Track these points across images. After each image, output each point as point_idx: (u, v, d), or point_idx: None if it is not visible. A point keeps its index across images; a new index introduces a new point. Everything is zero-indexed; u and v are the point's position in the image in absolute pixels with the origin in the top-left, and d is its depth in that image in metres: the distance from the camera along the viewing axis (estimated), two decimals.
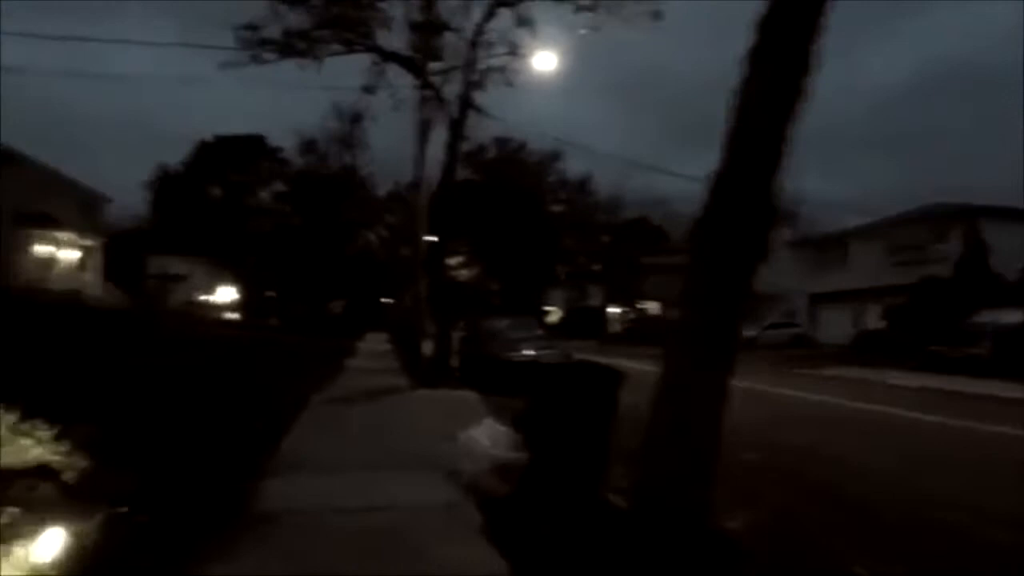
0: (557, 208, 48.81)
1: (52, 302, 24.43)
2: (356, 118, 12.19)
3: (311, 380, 11.42)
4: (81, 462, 3.69)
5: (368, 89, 12.79)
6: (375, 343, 27.75)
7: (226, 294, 46.77)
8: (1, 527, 2.66)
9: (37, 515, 2.79)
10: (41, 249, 26.14)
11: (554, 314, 59.78)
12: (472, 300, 71.39)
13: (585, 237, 50.15)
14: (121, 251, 30.80)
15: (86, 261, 28.82)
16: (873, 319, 30.15)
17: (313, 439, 6.46)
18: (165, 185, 59.32)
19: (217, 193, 61.90)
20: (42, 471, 3.37)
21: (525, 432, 4.35)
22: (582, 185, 47.65)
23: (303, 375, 11.95)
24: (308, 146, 47.27)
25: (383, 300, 52.35)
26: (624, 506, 3.68)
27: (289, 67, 12.25)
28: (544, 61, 15.55)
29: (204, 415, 6.34)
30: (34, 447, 3.66)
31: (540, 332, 13.57)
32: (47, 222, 26.10)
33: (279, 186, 60.67)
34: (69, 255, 28.15)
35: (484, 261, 53.08)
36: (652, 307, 51.18)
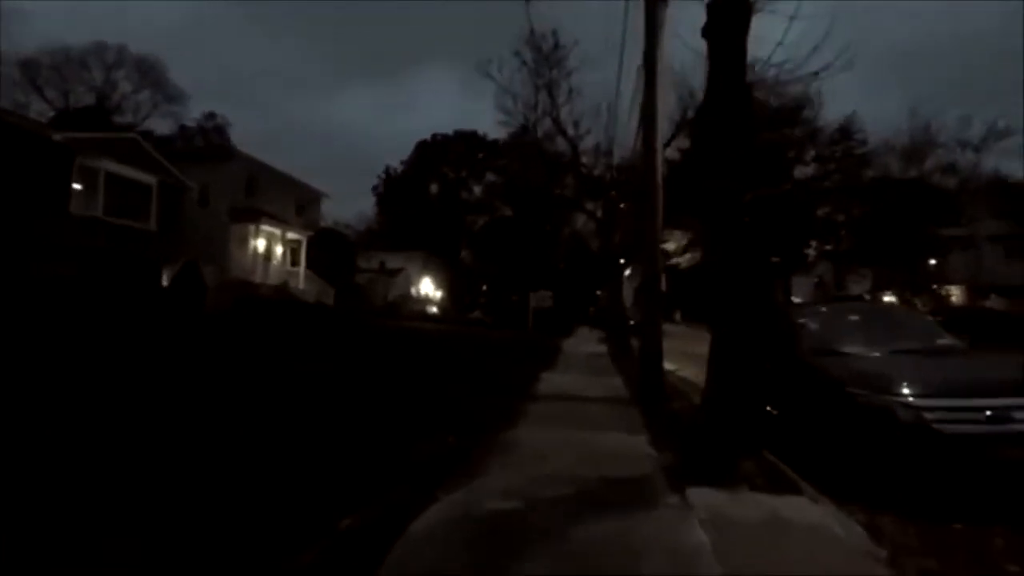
0: (806, 169, 37.73)
1: (255, 296, 23.22)
2: None
3: (468, 430, 5.75)
4: None
5: None
6: (586, 342, 21.89)
7: (431, 287, 45.24)
8: None
9: None
10: (255, 243, 25.40)
11: None
12: (696, 291, 62.39)
13: (849, 203, 38.22)
14: (331, 245, 29.63)
15: (298, 255, 27.89)
16: None
17: None
18: (389, 185, 61.51)
19: (434, 190, 62.67)
20: None
21: None
22: (843, 133, 35.95)
23: (459, 417, 6.35)
24: (518, 134, 43.42)
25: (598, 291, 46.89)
26: None
27: None
28: None
29: None
30: None
31: (957, 344, 6.01)
32: (261, 216, 25.26)
33: (491, 177, 59.15)
34: (281, 249, 27.39)
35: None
36: (955, 293, 37.23)
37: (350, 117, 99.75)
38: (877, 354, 5.47)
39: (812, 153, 37.85)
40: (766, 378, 5.77)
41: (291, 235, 27.30)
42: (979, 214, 36.06)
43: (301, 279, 27.10)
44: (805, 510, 3.97)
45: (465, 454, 4.95)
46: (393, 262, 43.96)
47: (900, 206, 36.16)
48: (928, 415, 4.40)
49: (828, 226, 38.53)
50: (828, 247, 39.09)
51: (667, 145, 21.95)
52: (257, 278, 24.71)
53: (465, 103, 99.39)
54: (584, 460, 4.90)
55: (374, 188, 60.36)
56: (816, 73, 4.89)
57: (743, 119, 5.03)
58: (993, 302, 33.77)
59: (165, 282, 20.76)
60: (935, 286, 36.23)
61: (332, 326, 17.44)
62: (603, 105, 20.62)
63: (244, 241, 25.02)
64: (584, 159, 18.66)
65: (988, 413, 4.33)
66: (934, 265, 37.54)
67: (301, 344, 12.60)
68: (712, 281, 5.14)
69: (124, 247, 17.68)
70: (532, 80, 18.25)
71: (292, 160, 69.16)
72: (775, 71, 5.67)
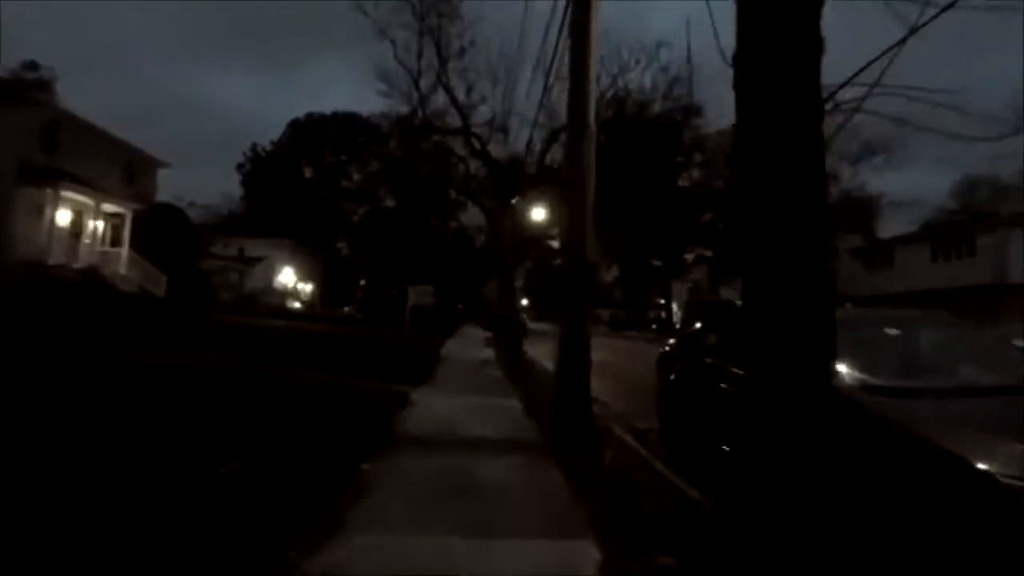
0: (696, 174, 38.02)
1: (48, 280, 17.88)
2: None
3: (236, 550, 2.73)
4: None
5: None
6: (471, 345, 19.15)
7: (300, 280, 40.23)
8: None
9: None
10: (54, 214, 19.73)
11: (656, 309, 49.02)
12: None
13: (729, 210, 39.03)
14: (168, 223, 24.24)
15: (120, 232, 22.38)
16: None
17: None
18: (256, 165, 54.73)
19: (309, 174, 56.78)
20: None
21: None
22: (727, 139, 36.45)
23: (240, 508, 3.27)
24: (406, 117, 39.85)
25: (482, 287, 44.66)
26: None
27: None
28: None
29: None
30: None
31: None
32: (61, 179, 19.62)
33: (375, 165, 54.53)
34: (97, 224, 21.78)
35: (599, 243, 43.46)
36: None
37: (228, 97, 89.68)
38: (979, 399, 3.20)
39: (699, 158, 38.18)
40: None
41: (110, 208, 21.79)
42: (836, 228, 38.30)
43: (123, 262, 21.70)
44: None
45: None
46: (255, 249, 38.42)
47: None
48: None
49: (710, 232, 39.14)
50: (708, 253, 39.73)
51: (543, 162, 19.94)
52: (55, 258, 19.18)
53: (360, 91, 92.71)
54: None
55: (239, 166, 53.42)
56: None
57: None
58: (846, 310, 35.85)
59: None
60: None
61: (139, 323, 13.16)
62: (502, 68, 17.65)
63: (38, 211, 19.33)
64: (476, 130, 15.91)
65: None
66: None
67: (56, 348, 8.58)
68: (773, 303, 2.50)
69: None
70: (416, 24, 15.06)
71: (156, 135, 59.84)
72: None
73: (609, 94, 23.54)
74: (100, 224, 21.74)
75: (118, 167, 23.69)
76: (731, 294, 44.47)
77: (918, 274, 29.94)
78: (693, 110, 35.78)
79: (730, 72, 2.53)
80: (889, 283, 31.89)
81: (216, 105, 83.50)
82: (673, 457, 5.53)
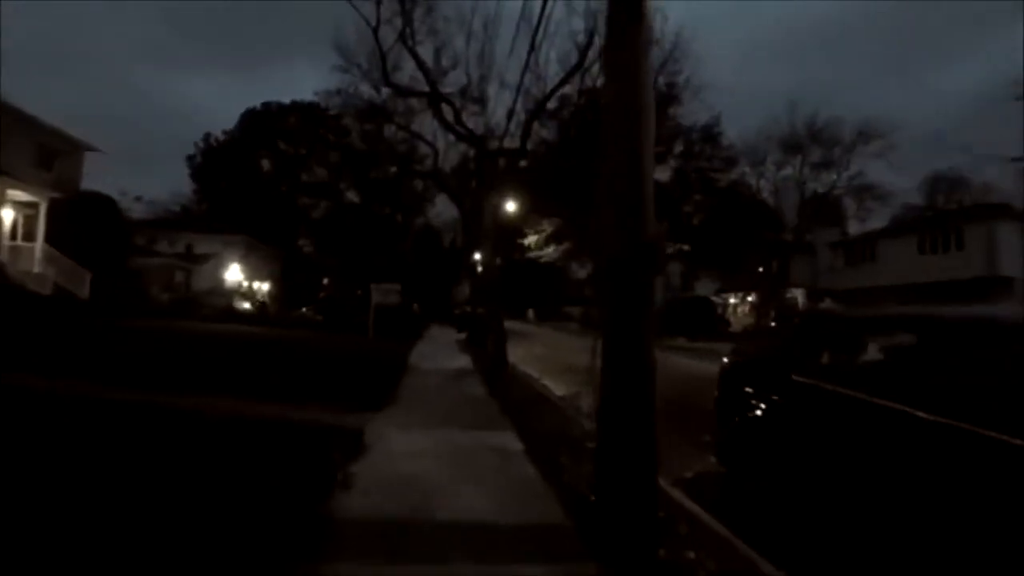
0: (673, 164, 36.35)
1: None
2: None
3: None
4: None
5: None
6: (443, 351, 16.83)
7: (255, 278, 37.05)
8: None
9: None
10: None
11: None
12: (549, 288, 59.74)
13: (707, 205, 37.72)
14: (96, 216, 21.13)
15: (34, 224, 19.25)
16: None
17: None
18: (208, 156, 50.93)
19: (267, 167, 53.27)
20: None
21: None
22: (707, 133, 35.03)
23: None
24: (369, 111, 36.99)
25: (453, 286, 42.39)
26: None
27: None
28: None
29: None
30: None
31: None
32: None
33: (335, 157, 51.36)
34: (4, 214, 18.62)
35: (574, 238, 41.51)
36: (799, 297, 38.16)
37: (192, 94, 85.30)
38: None
39: (680, 149, 36.59)
40: None
41: (20, 195, 18.67)
42: (810, 224, 37.29)
43: (36, 259, 18.62)
44: None
45: None
46: (206, 246, 35.11)
47: (737, 212, 36.23)
48: None
49: (687, 227, 37.59)
50: (685, 247, 38.18)
51: (527, 136, 17.86)
52: None
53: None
54: None
55: (189, 158, 49.63)
56: None
57: None
58: (826, 305, 34.84)
59: None
60: (781, 289, 36.71)
61: (27, 331, 10.43)
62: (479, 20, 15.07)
63: None
64: (447, 92, 13.58)
65: None
66: (777, 269, 38.20)
67: None
68: None
69: None
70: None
71: (109, 133, 55.63)
72: None
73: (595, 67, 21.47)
74: (9, 214, 18.61)
75: (30, 149, 20.53)
76: (705, 289, 42.97)
77: (903, 268, 28.87)
78: (673, 97, 33.92)
79: None
80: (872, 277, 30.84)
81: (180, 103, 79.36)
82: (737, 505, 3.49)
